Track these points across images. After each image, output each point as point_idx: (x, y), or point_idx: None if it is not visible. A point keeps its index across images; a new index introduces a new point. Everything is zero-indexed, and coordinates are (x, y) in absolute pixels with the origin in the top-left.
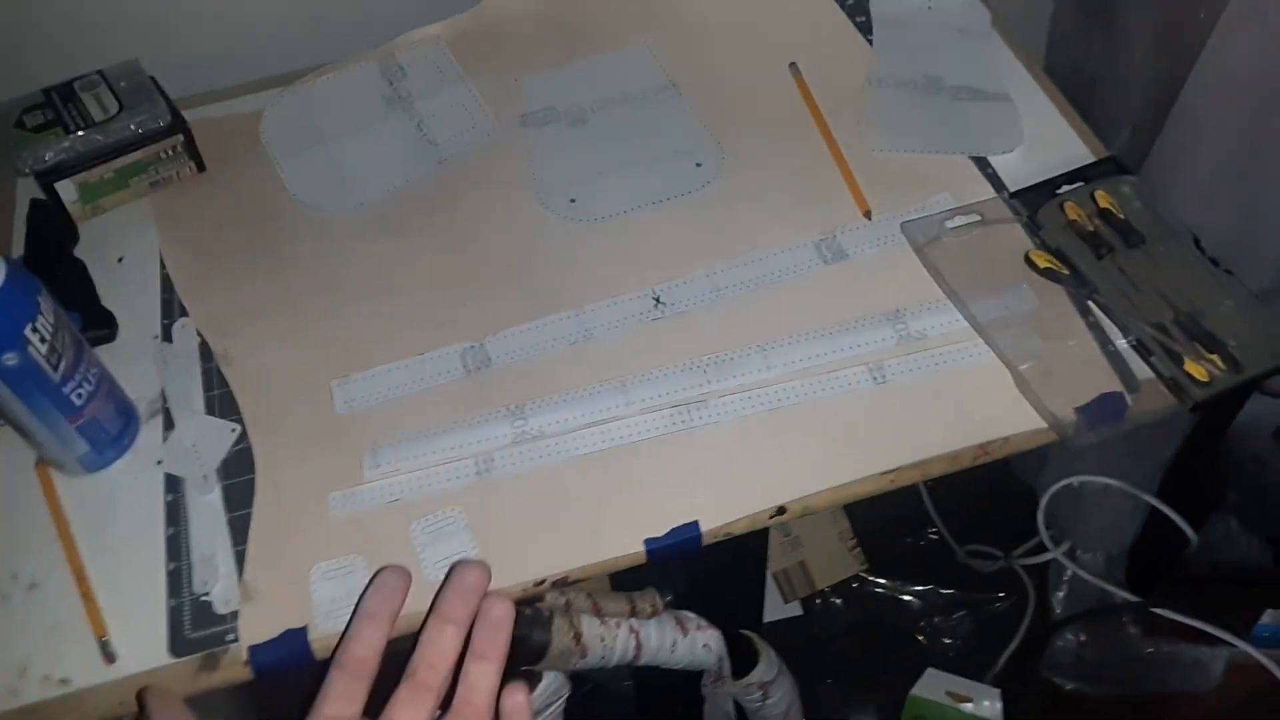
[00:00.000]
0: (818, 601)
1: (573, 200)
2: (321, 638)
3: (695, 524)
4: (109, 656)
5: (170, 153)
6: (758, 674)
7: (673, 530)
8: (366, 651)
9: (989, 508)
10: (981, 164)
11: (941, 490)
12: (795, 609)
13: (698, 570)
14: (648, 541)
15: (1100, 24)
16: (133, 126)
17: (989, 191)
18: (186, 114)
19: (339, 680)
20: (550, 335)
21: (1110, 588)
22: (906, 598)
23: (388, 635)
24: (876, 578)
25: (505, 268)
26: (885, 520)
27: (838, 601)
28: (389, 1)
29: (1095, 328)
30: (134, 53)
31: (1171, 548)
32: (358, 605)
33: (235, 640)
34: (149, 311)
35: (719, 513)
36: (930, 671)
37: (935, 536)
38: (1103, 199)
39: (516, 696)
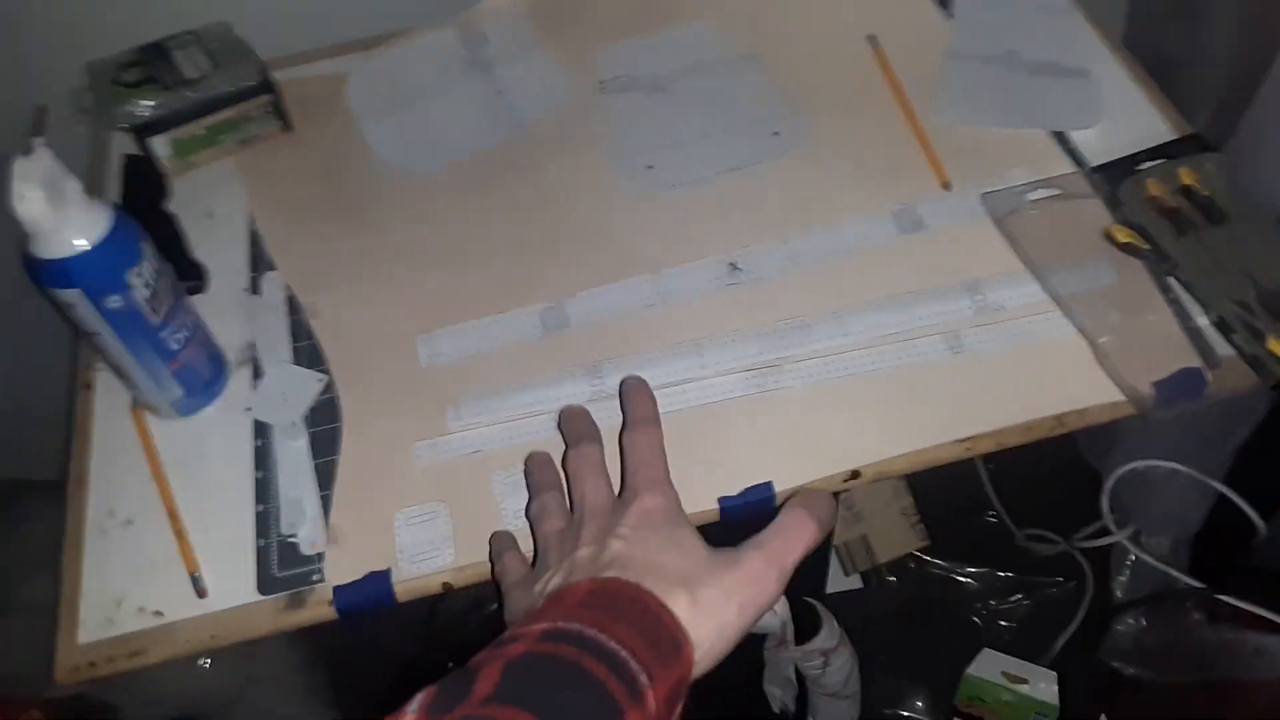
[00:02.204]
0: (873, 579)
1: (650, 167)
2: (403, 580)
3: (769, 484)
4: (200, 591)
5: (259, 112)
6: (820, 641)
7: (747, 490)
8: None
9: (1048, 491)
10: (1061, 139)
11: (1001, 472)
12: (855, 582)
13: None
14: (722, 500)
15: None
16: (224, 85)
17: (1069, 166)
18: (274, 75)
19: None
20: (627, 298)
21: (1174, 573)
22: (963, 579)
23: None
24: (933, 558)
25: (583, 232)
26: (943, 502)
27: (893, 579)
28: None
29: (1175, 304)
30: (224, 15)
31: (1239, 536)
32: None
33: (320, 580)
34: (237, 265)
35: (792, 475)
36: (986, 652)
37: (994, 519)
38: (1185, 176)
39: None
